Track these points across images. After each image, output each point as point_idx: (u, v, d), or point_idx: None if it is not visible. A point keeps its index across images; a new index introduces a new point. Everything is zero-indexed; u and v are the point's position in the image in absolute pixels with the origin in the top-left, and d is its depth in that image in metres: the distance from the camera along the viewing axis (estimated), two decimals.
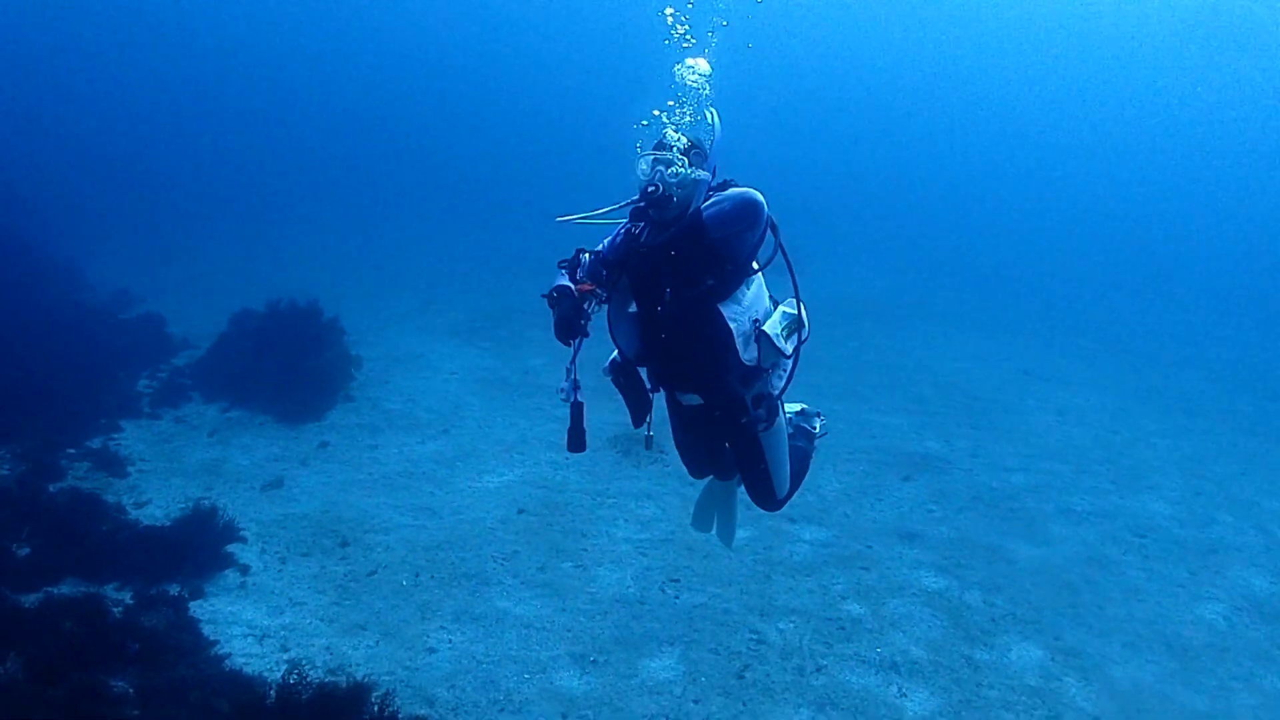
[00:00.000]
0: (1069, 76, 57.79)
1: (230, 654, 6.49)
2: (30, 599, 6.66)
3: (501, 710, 6.07)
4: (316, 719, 4.79)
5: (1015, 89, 59.13)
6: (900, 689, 6.55)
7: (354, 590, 7.59)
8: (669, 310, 4.18)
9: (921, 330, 20.41)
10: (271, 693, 5.16)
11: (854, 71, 60.85)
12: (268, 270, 21.85)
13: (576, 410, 4.31)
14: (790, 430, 5.06)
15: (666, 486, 9.91)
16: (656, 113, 4.37)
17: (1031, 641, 7.32)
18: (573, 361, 4.23)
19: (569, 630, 7.10)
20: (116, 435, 10.68)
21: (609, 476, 10.10)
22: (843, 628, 7.31)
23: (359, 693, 5.49)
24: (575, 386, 4.29)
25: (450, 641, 6.87)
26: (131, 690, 5.71)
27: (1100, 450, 12.39)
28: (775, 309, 4.39)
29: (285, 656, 6.54)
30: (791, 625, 7.29)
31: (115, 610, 6.65)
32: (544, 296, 4.27)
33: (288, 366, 12.39)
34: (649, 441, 4.52)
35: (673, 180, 4.08)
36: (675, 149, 4.15)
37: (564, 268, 4.36)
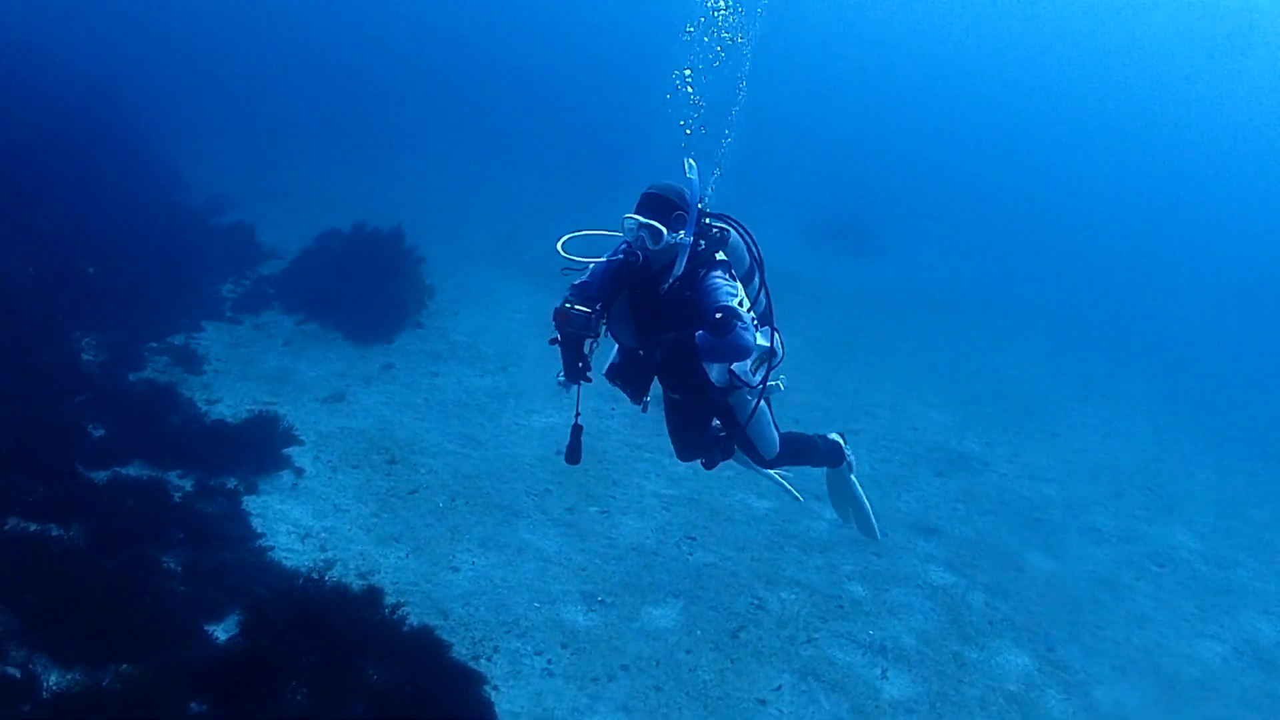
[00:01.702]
0: (1179, 86, 55.89)
1: (273, 547, 7.08)
2: (100, 475, 7.31)
3: (508, 632, 6.56)
4: (332, 611, 5.32)
5: (1125, 90, 57.25)
6: (883, 671, 6.89)
7: (394, 505, 8.15)
8: (651, 347, 4.74)
9: (991, 326, 20.45)
10: (299, 583, 5.70)
11: (956, 56, 59.50)
12: (358, 190, 22.49)
13: (576, 431, 5.05)
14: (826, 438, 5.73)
15: None
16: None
17: (1023, 649, 7.58)
18: (577, 397, 4.96)
19: (583, 569, 7.56)
20: (197, 334, 11.41)
21: (650, 431, 10.46)
22: (841, 606, 7.66)
23: (373, 595, 6.03)
24: (578, 414, 5.00)
25: (473, 564, 7.38)
26: (179, 568, 6.32)
27: (1140, 475, 12.45)
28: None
29: (322, 556, 7.11)
30: (793, 596, 7.67)
31: (176, 495, 7.28)
32: (551, 342, 4.90)
33: (365, 288, 13.01)
34: (646, 407, 5.01)
35: (654, 248, 4.54)
36: (669, 198, 4.57)
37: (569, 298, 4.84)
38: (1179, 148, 54.94)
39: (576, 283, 4.97)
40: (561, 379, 5.01)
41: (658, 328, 4.76)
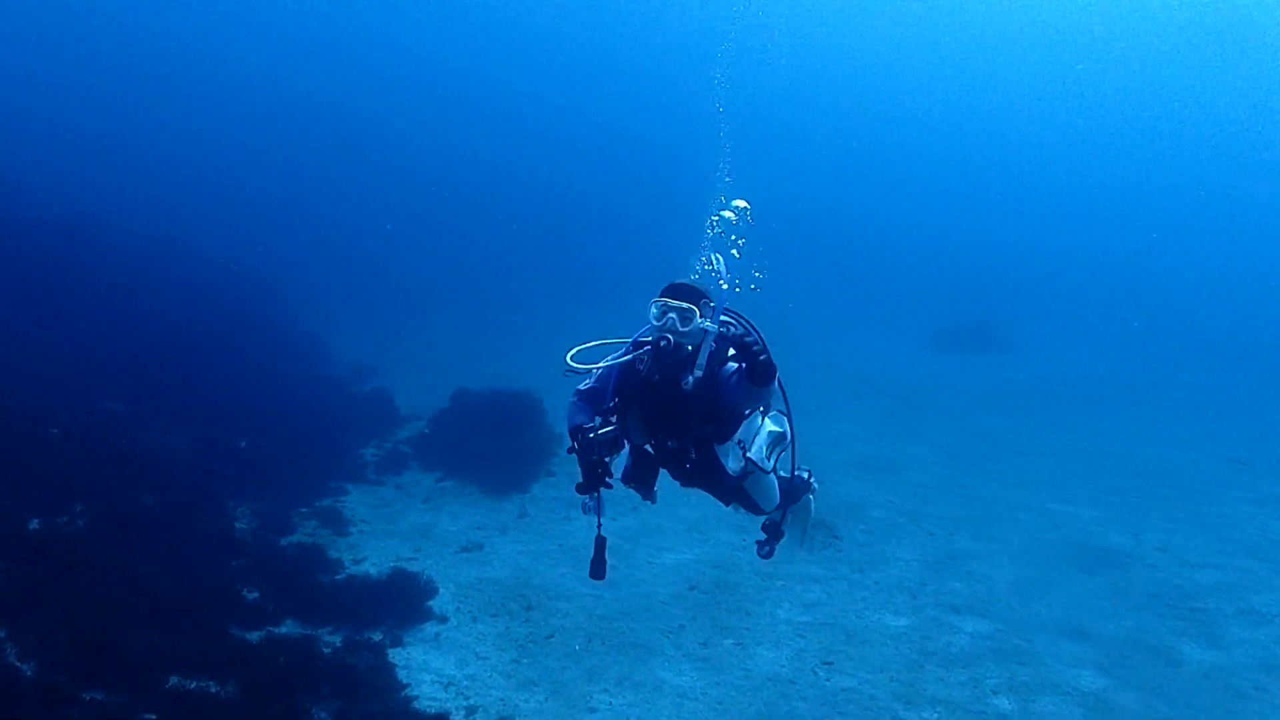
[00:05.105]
0: None
1: (418, 696, 7.43)
2: (254, 635, 7.86)
3: None
4: None
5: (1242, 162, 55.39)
6: None
7: (532, 650, 8.42)
8: (669, 449, 4.75)
9: (1131, 413, 19.84)
10: None
11: (1062, 149, 58.92)
12: (489, 346, 23.63)
13: (600, 544, 4.86)
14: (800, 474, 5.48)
15: (835, 572, 10.28)
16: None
17: None
18: (598, 505, 4.72)
19: (719, 703, 7.62)
20: (343, 498, 12.14)
21: (781, 559, 10.40)
22: None
23: None
24: (599, 525, 4.80)
25: (610, 704, 7.54)
26: (329, 719, 6.70)
27: None
28: (764, 424, 4.86)
29: (465, 703, 7.41)
30: (935, 716, 7.52)
31: (326, 650, 7.75)
32: (569, 451, 4.61)
33: (498, 443, 13.63)
34: (655, 498, 5.06)
35: (684, 329, 4.43)
36: (695, 287, 4.53)
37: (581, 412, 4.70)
38: None
39: (583, 388, 4.84)
40: (589, 501, 4.77)
41: (675, 430, 4.70)
